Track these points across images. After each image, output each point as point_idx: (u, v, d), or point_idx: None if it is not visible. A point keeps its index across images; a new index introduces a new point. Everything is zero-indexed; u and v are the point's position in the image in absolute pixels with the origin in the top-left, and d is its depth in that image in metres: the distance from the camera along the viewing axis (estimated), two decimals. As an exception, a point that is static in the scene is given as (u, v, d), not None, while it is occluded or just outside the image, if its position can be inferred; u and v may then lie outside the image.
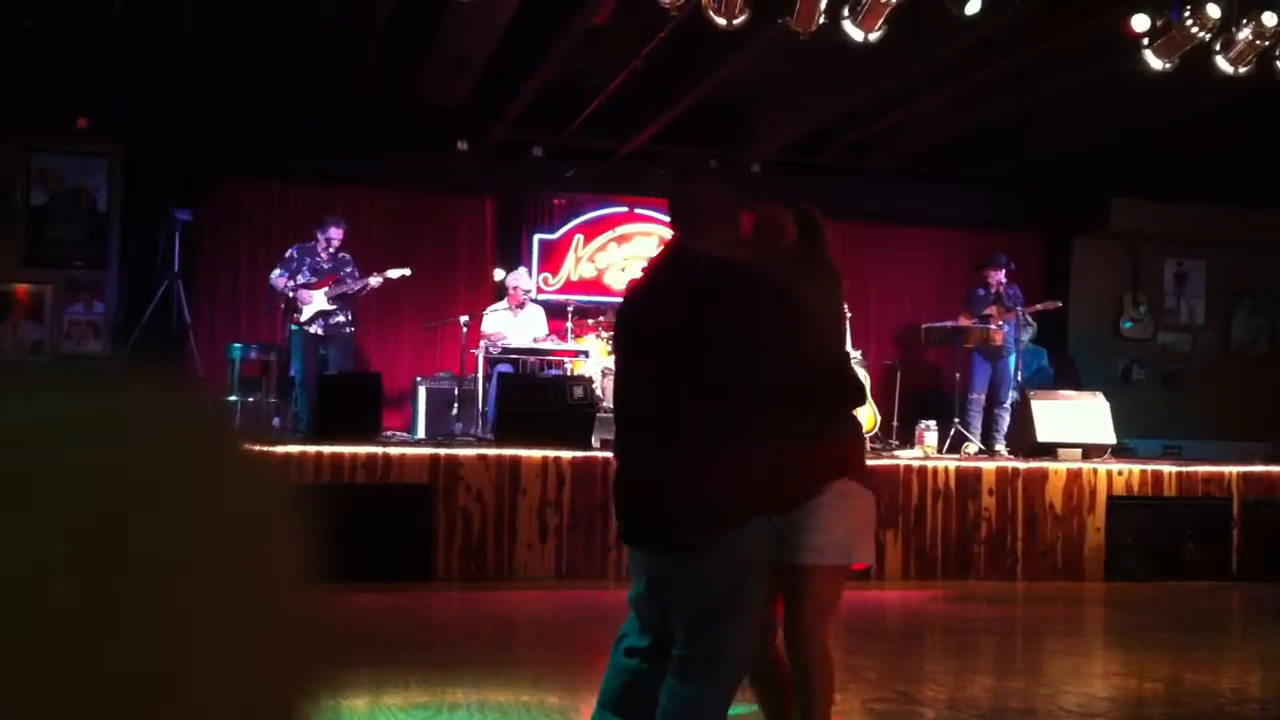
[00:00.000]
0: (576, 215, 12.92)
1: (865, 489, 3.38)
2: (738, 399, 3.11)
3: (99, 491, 0.63)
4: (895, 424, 11.11)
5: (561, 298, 12.04)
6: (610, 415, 10.48)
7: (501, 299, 11.30)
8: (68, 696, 0.60)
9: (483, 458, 8.53)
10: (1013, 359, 11.05)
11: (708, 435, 3.10)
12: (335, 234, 10.27)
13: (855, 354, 9.55)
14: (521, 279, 11.27)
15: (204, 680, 0.64)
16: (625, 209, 12.96)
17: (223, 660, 0.66)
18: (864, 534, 3.39)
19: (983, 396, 11.02)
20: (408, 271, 10.41)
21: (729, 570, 3.08)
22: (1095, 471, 9.58)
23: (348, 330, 10.35)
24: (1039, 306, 11.34)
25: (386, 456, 8.40)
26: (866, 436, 3.55)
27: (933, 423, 10.24)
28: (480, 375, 10.50)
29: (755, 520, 3.14)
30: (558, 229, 12.87)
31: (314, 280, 10.18)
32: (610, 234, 12.94)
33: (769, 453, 3.14)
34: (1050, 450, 9.87)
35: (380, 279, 10.27)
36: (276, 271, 10.27)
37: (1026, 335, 11.53)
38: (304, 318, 10.11)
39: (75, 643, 0.60)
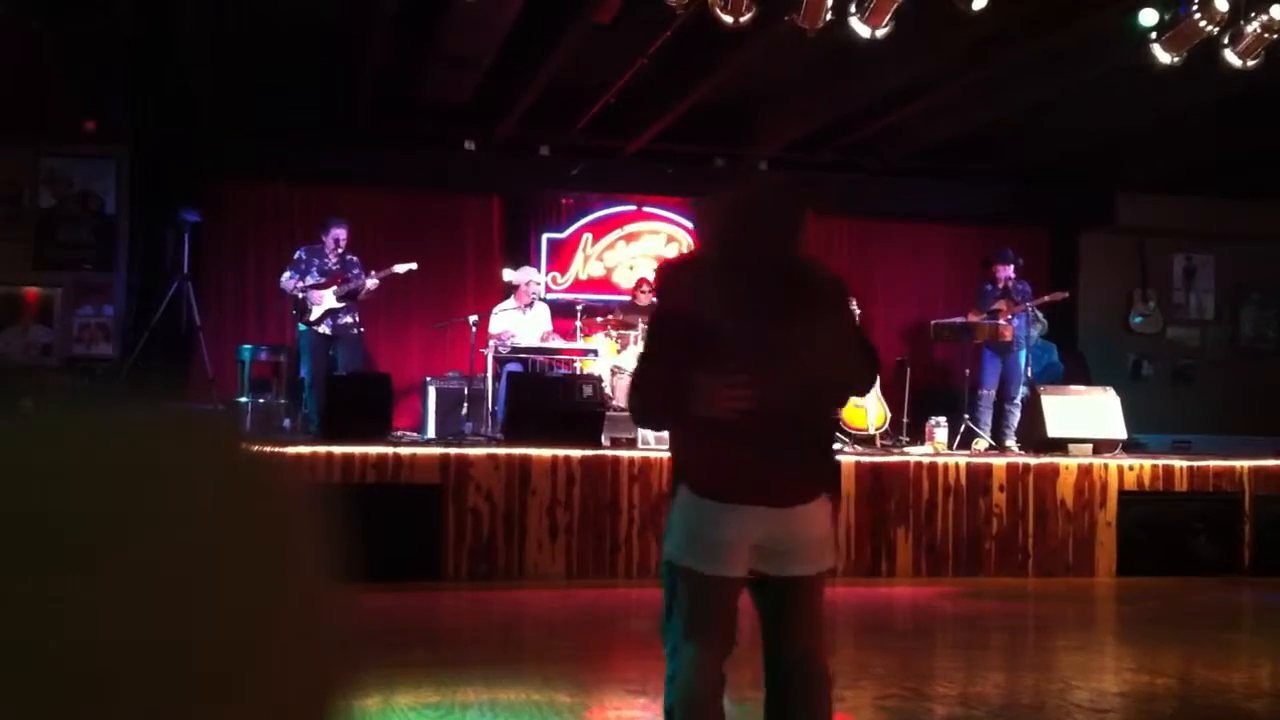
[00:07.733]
0: (585, 214, 12.92)
1: None
2: None
3: (126, 501, 0.64)
4: (905, 420, 11.09)
5: (570, 296, 12.04)
6: (618, 413, 10.48)
7: (509, 298, 11.29)
8: (106, 702, 0.60)
9: (492, 457, 8.53)
10: (1023, 354, 11.01)
11: None
12: (340, 234, 10.27)
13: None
14: (533, 276, 11.27)
15: (241, 683, 0.65)
16: (634, 207, 12.97)
17: (258, 664, 0.66)
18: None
19: (993, 392, 10.98)
20: (414, 266, 10.41)
21: None
22: (1106, 467, 9.55)
23: (357, 331, 10.35)
24: (1045, 298, 11.30)
25: (397, 456, 8.41)
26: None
27: (943, 419, 10.21)
28: (489, 375, 10.50)
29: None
30: (566, 228, 12.87)
31: (323, 281, 10.19)
32: (619, 232, 12.95)
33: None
34: (1061, 446, 9.85)
35: (388, 274, 10.27)
36: (286, 274, 10.27)
37: (1037, 331, 11.50)
38: (313, 318, 10.13)
39: (107, 649, 0.60)
